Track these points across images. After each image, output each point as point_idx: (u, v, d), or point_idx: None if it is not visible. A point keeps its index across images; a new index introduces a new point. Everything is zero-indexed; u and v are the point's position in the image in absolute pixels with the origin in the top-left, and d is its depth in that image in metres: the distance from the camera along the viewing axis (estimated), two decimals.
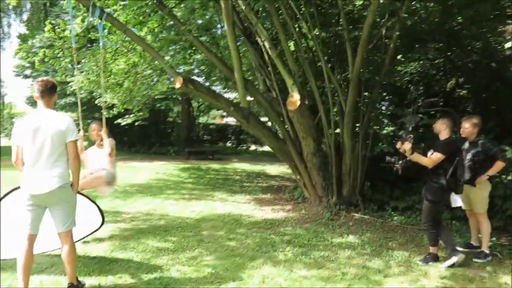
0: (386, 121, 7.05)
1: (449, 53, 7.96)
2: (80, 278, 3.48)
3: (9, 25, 17.86)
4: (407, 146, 3.98)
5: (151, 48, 5.69)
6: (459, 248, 4.34)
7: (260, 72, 7.29)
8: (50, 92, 3.19)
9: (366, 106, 6.18)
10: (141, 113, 11.87)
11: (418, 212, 5.91)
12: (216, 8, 6.54)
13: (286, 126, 6.97)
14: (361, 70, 5.80)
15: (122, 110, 10.46)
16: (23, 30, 19.55)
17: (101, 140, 4.66)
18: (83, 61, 8.32)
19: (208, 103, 14.33)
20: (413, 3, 6.14)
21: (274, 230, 5.43)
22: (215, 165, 13.88)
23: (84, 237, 4.22)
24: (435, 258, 4.25)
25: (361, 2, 6.76)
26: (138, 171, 11.33)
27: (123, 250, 4.30)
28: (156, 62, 5.59)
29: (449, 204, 4.29)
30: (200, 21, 7.63)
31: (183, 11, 6.77)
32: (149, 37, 8.07)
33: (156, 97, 14.83)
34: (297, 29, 6.24)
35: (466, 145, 4.47)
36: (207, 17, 7.44)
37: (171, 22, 6.69)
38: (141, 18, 7.20)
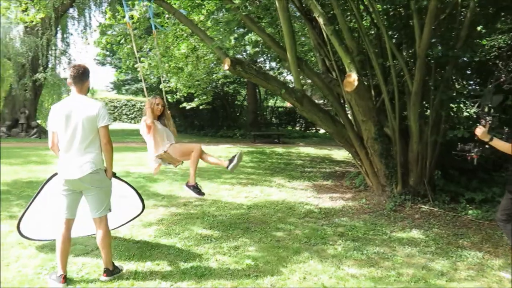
0: (465, 102, 6.20)
1: None
2: (119, 263, 3.50)
3: (90, 16, 19.03)
4: (479, 130, 3.34)
5: (200, 29, 5.55)
6: None
7: (319, 52, 6.81)
8: (82, 78, 3.15)
9: (437, 86, 5.44)
10: (204, 97, 12.03)
11: (499, 205, 5.13)
12: None
13: (347, 109, 6.47)
14: (432, 44, 5.09)
15: (186, 94, 10.68)
16: (102, 20, 20.73)
17: (161, 117, 4.45)
18: (144, 46, 8.54)
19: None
20: None
21: (328, 221, 5.06)
22: (279, 149, 13.66)
23: (124, 224, 4.24)
24: None
25: None
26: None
27: (167, 236, 4.26)
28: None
29: None
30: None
31: None
32: (209, 22, 7.99)
33: (220, 80, 14.96)
34: (355, 1, 5.65)
35: None
36: None
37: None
38: (197, 0, 7.11)
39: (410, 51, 5.95)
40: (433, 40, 5.54)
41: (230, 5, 5.50)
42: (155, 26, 4.97)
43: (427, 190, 5.79)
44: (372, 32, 6.58)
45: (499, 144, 3.50)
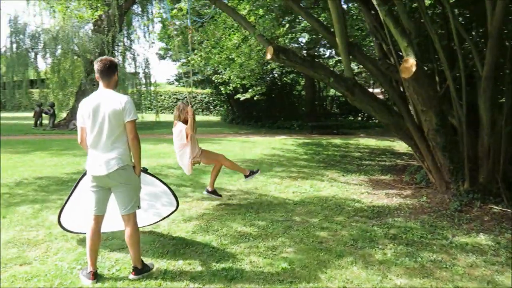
0: None
1: None
2: (151, 260, 3.41)
3: (152, 12, 19.64)
4: None
5: (242, 17, 5.30)
6: None
7: (375, 36, 6.25)
8: (108, 72, 3.06)
9: None
10: (258, 88, 11.82)
11: None
12: None
13: (407, 97, 5.87)
14: (507, 21, 4.37)
15: (239, 86, 10.55)
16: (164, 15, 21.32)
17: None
18: (195, 38, 8.50)
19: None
20: None
21: (380, 221, 4.61)
22: (337, 141, 13.12)
23: (157, 222, 4.16)
24: None
25: None
26: (254, 146, 11.37)
27: (204, 233, 4.12)
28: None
29: None
30: None
31: None
32: (261, 10, 7.72)
33: (276, 70, 14.65)
34: None
35: None
36: None
37: None
38: None
39: (481, 30, 5.21)
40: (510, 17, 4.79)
41: None
42: (191, 20, 4.81)
43: (500, 189, 5.09)
44: (435, 11, 5.89)
45: None
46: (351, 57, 5.64)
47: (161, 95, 29.43)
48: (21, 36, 16.90)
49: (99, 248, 3.17)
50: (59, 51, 17.73)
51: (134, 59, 19.11)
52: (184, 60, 17.74)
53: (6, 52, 17.30)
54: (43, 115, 18.54)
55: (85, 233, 3.80)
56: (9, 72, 16.28)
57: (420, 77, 4.74)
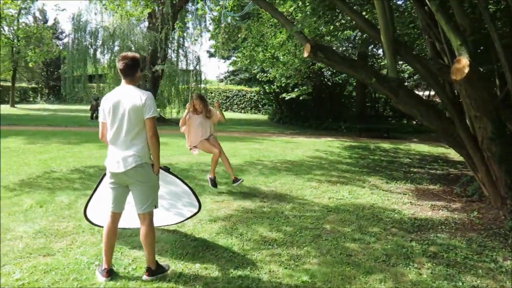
0: None
1: None
2: (169, 261, 3.33)
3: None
4: None
5: (280, 13, 5.08)
6: None
7: (428, 34, 5.77)
8: (130, 69, 2.99)
9: None
10: (304, 87, 11.51)
11: None
12: None
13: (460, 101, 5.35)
14: None
15: (284, 85, 10.32)
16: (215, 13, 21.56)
17: (208, 112, 5.63)
18: (239, 36, 8.40)
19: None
20: None
21: (420, 236, 4.21)
22: (386, 145, 12.49)
23: (180, 222, 4.07)
24: None
25: None
26: (297, 147, 11.10)
27: (228, 235, 3.98)
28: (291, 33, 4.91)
29: None
30: None
31: None
32: (308, 7, 7.46)
33: (324, 69, 14.22)
34: None
35: None
36: None
37: None
38: None
39: None
40: None
41: None
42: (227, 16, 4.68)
43: None
44: (499, 6, 5.32)
45: None
46: (398, 56, 5.23)
47: (211, 93, 29.90)
48: (82, 33, 17.85)
49: (114, 245, 3.13)
50: (116, 48, 18.55)
51: (185, 56, 19.50)
52: (234, 58, 17.83)
53: (68, 48, 18.39)
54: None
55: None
56: (70, 67, 17.26)
57: (473, 79, 4.25)
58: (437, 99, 12.71)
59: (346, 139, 13.99)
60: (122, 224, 3.64)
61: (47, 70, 36.12)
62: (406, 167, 8.52)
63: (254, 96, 28.23)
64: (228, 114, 27.20)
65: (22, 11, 26.64)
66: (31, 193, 5.33)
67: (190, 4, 20.15)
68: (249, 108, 29.09)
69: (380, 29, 4.69)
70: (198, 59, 20.17)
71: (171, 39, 18.79)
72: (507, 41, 4.66)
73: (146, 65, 17.84)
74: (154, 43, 17.40)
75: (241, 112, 29.50)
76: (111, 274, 3.01)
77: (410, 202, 5.61)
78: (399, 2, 9.19)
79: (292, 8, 7.78)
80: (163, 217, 3.78)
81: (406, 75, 18.57)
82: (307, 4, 5.68)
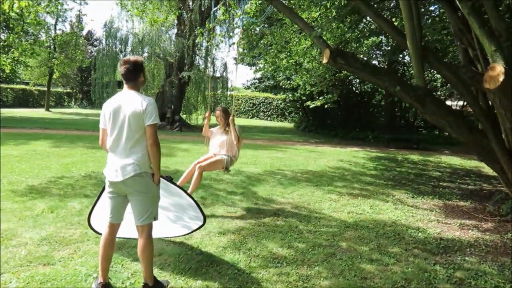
0: None
1: None
2: (169, 276, 3.16)
3: (233, 18, 19.92)
4: None
5: (299, 17, 4.86)
6: None
7: (460, 39, 5.40)
8: (132, 73, 2.87)
9: None
10: (330, 96, 11.19)
11: None
12: None
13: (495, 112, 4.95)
14: None
15: (308, 92, 10.07)
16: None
17: (226, 126, 5.16)
18: (261, 42, 8.24)
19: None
20: None
21: (445, 258, 3.86)
22: (415, 156, 11.96)
23: (185, 235, 3.88)
24: None
25: None
26: (320, 157, 10.77)
27: (235, 250, 3.77)
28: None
29: None
30: None
31: None
32: (334, 12, 7.22)
33: (352, 78, 13.84)
34: None
35: None
36: None
37: None
38: None
39: None
40: None
41: None
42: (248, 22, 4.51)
43: None
44: None
45: None
46: (425, 64, 4.89)
47: (238, 99, 29.93)
48: (113, 40, 18.26)
49: (111, 258, 2.99)
50: (145, 54, 18.86)
51: (212, 63, 19.57)
52: (261, 65, 17.72)
53: (100, 54, 18.85)
54: None
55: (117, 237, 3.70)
56: (100, 73, 17.67)
57: (509, 88, 3.87)
58: (470, 109, 12.06)
59: (373, 149, 13.52)
60: (126, 234, 3.52)
61: (81, 75, 37.34)
62: (435, 181, 8.06)
63: (281, 103, 28.02)
64: (254, 122, 27.11)
65: (60, 19, 27.71)
66: (46, 197, 5.32)
67: (219, 11, 20.30)
68: (276, 116, 28.89)
69: (406, 33, 4.39)
70: (225, 65, 20.21)
71: (199, 45, 18.92)
72: None
73: (173, 71, 18.01)
74: (182, 50, 17.55)
75: (267, 120, 29.34)
76: None
77: (437, 219, 5.22)
78: (431, 8, 8.80)
79: (317, 14, 7.56)
80: (171, 229, 3.63)
81: (439, 84, 17.87)
82: (330, 9, 5.45)
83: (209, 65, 19.18)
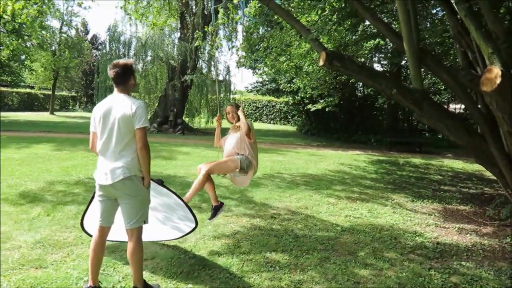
0: None
1: None
2: (160, 280, 3.15)
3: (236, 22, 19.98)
4: None
5: (296, 20, 4.85)
6: None
7: (459, 42, 5.37)
8: (121, 77, 2.87)
9: None
10: (331, 99, 11.18)
11: None
12: None
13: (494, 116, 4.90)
14: None
15: (308, 95, 10.08)
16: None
17: (237, 121, 4.18)
18: (261, 45, 8.24)
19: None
20: None
21: (441, 263, 3.81)
22: (417, 160, 11.88)
23: (179, 238, 3.86)
24: None
25: None
26: (321, 160, 10.73)
27: (228, 255, 3.75)
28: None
29: None
30: None
31: None
32: (334, 16, 7.21)
33: (352, 80, 13.78)
34: None
35: None
36: None
37: None
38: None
39: None
40: None
41: None
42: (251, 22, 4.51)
43: None
44: None
45: None
46: (423, 66, 4.88)
47: (241, 103, 29.94)
48: (116, 44, 18.36)
49: (101, 261, 2.98)
50: (148, 58, 18.95)
51: (215, 66, 19.61)
52: (263, 69, 17.74)
53: (104, 58, 18.96)
54: None
55: (109, 240, 3.70)
56: (103, 76, 17.75)
57: (506, 91, 3.83)
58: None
59: (375, 153, 13.46)
60: (118, 237, 3.52)
61: (86, 79, 37.59)
62: (436, 185, 8.00)
63: (284, 107, 27.99)
64: (257, 125, 27.08)
65: (64, 22, 27.95)
66: (43, 200, 5.34)
67: (218, 15, 20.35)
68: (279, 119, 28.86)
69: (403, 36, 4.36)
70: (227, 69, 20.25)
71: (201, 49, 18.97)
72: None
73: (176, 75, 18.07)
74: (184, 53, 17.61)
75: (270, 123, 29.32)
76: None
77: (435, 223, 5.17)
78: (433, 11, 8.77)
79: (317, 17, 7.54)
80: (159, 231, 3.62)
81: (443, 87, 17.76)
82: (325, 11, 5.43)
83: (212, 68, 19.21)
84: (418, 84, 4.61)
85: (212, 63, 19.85)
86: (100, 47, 39.24)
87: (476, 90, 5.09)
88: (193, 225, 3.53)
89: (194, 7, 18.43)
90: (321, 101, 12.33)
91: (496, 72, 3.88)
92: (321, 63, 4.42)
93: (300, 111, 21.97)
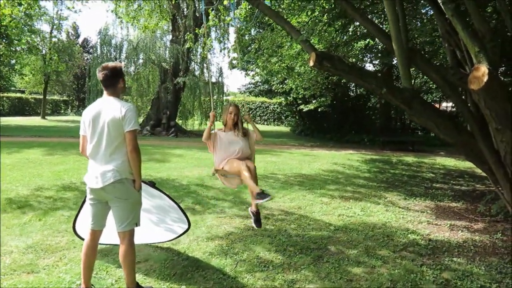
0: None
1: None
2: (154, 282, 3.14)
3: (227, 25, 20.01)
4: None
5: (286, 21, 4.88)
6: None
7: (448, 41, 5.43)
8: (110, 79, 2.87)
9: None
10: (323, 99, 11.23)
11: None
12: None
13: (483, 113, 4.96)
14: None
15: (301, 96, 10.12)
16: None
17: (235, 126, 4.00)
18: (252, 46, 8.26)
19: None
20: None
21: (433, 259, 3.85)
22: (409, 158, 11.96)
23: (166, 241, 3.86)
24: None
25: None
26: (315, 160, 10.76)
27: (222, 256, 3.75)
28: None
29: None
30: None
31: None
32: (325, 17, 7.24)
33: (343, 81, 13.89)
34: None
35: None
36: None
37: None
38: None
39: None
40: None
41: None
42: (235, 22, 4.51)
43: None
44: None
45: None
46: (412, 65, 4.91)
47: (246, 107, 29.95)
48: (107, 47, 18.28)
49: (94, 264, 2.96)
50: (140, 61, 18.89)
51: (207, 68, 19.60)
52: (255, 70, 17.78)
53: (95, 61, 18.87)
54: None
55: (102, 244, 3.68)
56: (94, 80, 17.65)
57: (493, 89, 3.88)
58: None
59: (368, 152, 13.53)
60: (111, 240, 3.51)
61: (78, 83, 37.38)
62: (428, 183, 8.06)
63: (277, 108, 28.04)
64: (251, 126, 27.08)
65: (55, 27, 27.77)
66: (34, 205, 5.30)
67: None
68: (272, 120, 28.91)
69: (391, 35, 4.40)
70: (220, 71, 20.26)
71: (193, 51, 18.96)
72: None
73: (168, 77, 18.03)
74: (176, 56, 17.58)
75: (264, 124, 29.35)
76: None
77: (428, 221, 5.22)
78: (423, 11, 8.85)
79: (307, 18, 7.58)
80: (153, 233, 3.61)
81: (434, 86, 17.92)
82: (315, 12, 5.47)
83: (204, 70, 19.21)
84: (408, 83, 4.65)
85: (205, 65, 19.85)
86: (91, 50, 39.06)
87: (465, 88, 5.14)
88: (186, 227, 3.53)
89: (185, 9, 18.42)
90: (314, 101, 12.40)
91: (483, 70, 3.92)
92: (311, 63, 4.44)
93: (293, 111, 22.04)
